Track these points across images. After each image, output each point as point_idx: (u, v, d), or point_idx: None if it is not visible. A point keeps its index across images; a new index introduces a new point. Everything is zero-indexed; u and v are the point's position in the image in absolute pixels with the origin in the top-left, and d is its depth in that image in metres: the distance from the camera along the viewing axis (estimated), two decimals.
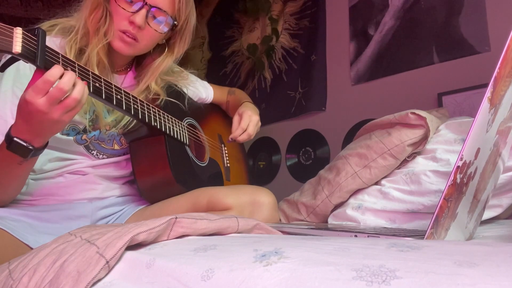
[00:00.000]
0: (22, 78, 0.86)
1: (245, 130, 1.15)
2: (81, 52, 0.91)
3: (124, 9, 0.89)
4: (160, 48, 1.05)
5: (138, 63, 1.08)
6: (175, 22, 0.97)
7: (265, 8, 2.30)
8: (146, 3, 0.90)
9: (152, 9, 0.91)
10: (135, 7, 0.90)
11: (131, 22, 0.90)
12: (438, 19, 1.60)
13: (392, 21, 1.75)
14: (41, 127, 0.69)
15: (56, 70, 0.66)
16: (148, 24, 0.92)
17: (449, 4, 1.58)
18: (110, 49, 0.95)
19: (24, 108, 0.68)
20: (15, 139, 0.70)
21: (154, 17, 0.93)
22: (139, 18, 0.89)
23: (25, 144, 0.71)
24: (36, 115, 0.67)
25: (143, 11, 0.90)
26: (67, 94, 0.67)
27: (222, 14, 2.64)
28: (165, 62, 1.04)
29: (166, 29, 0.96)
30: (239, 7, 2.47)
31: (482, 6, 1.48)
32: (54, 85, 0.66)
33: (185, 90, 1.18)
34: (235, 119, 1.19)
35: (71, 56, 0.88)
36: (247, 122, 1.16)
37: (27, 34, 0.64)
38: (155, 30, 0.94)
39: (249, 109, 1.21)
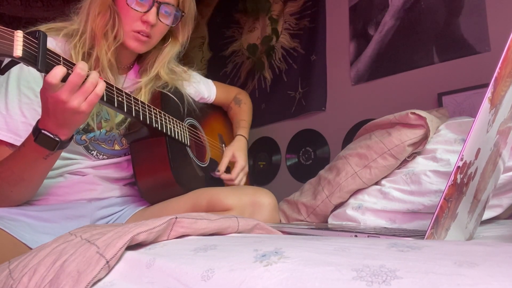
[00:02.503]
0: (27, 75, 0.86)
1: (233, 180, 1.19)
2: (88, 55, 0.92)
3: (137, 10, 0.92)
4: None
5: (139, 57, 1.09)
6: (183, 13, 1.00)
7: (265, 8, 2.29)
8: (155, 1, 0.92)
9: (161, 5, 0.94)
10: (146, 6, 0.92)
11: (144, 22, 0.93)
12: (438, 19, 1.60)
13: (392, 21, 1.75)
14: (63, 117, 0.71)
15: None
16: (160, 20, 0.95)
17: (449, 4, 1.58)
18: (116, 50, 0.96)
19: (44, 100, 0.71)
20: (42, 131, 0.72)
21: (164, 12, 0.96)
22: (152, 16, 0.92)
23: (52, 136, 0.73)
24: (57, 105, 0.69)
25: (154, 9, 0.93)
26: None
27: (222, 14, 2.63)
28: (173, 49, 1.08)
29: (175, 21, 1.00)
30: (239, 7, 2.47)
31: (482, 6, 1.48)
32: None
33: (186, 90, 1.19)
34: (227, 156, 1.22)
35: (79, 60, 0.88)
36: (238, 172, 1.20)
37: (28, 37, 0.63)
38: (166, 24, 0.98)
39: (243, 154, 1.24)
